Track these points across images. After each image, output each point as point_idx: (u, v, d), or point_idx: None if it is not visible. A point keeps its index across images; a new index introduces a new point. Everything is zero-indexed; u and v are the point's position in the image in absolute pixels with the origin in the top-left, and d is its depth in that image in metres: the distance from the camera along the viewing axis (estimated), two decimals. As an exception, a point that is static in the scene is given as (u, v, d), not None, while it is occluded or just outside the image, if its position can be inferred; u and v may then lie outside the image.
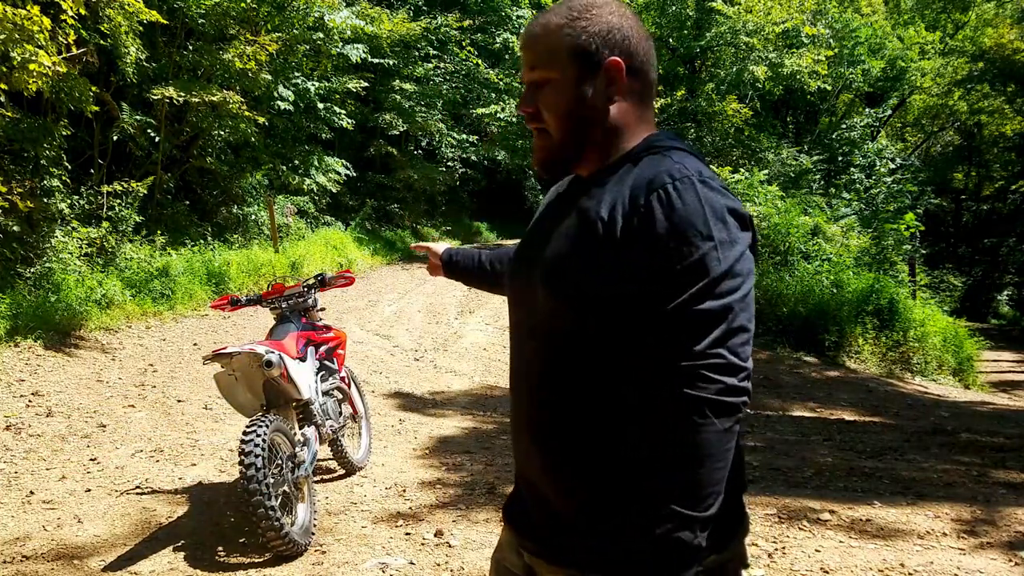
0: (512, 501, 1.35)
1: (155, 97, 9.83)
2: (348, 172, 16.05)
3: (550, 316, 1.17)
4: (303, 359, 3.83)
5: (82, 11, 7.11)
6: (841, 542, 3.42)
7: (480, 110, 18.98)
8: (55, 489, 4.00)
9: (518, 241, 1.40)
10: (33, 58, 6.24)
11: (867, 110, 24.16)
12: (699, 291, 1.04)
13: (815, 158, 19.19)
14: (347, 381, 4.44)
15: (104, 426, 5.08)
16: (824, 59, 17.69)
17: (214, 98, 10.16)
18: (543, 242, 1.22)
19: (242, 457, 3.09)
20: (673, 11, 17.89)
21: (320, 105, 15.09)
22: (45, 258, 7.82)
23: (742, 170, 13.65)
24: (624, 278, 1.08)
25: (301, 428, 3.70)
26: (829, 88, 21.07)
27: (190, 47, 11.17)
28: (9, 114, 7.32)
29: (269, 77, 11.89)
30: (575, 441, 1.17)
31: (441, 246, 1.89)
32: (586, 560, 1.15)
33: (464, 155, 21.29)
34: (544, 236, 1.24)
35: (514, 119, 18.51)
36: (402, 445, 5.11)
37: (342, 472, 4.35)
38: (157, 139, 10.47)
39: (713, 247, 1.05)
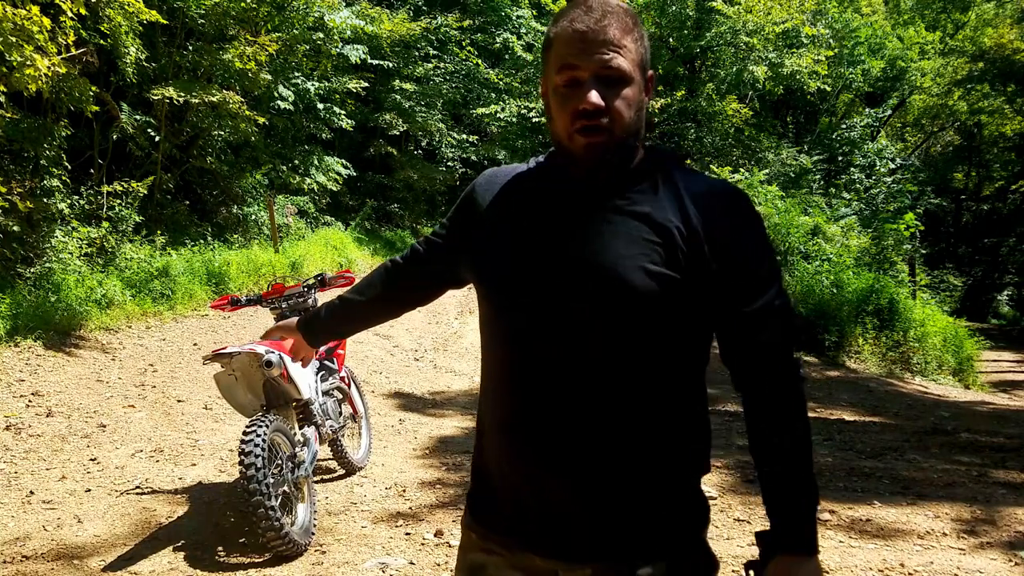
0: (498, 514, 1.28)
1: (155, 97, 9.83)
2: (349, 171, 16.05)
3: (610, 317, 1.17)
4: (303, 359, 3.82)
5: (82, 11, 7.10)
6: (841, 542, 3.42)
7: (480, 110, 18.98)
8: (55, 489, 4.00)
9: (498, 247, 1.28)
10: (30, 63, 6.23)
11: (867, 110, 24.16)
12: (778, 290, 1.22)
13: (815, 158, 19.19)
14: (347, 381, 4.44)
15: (104, 426, 5.08)
16: (824, 59, 17.69)
17: (214, 98, 10.15)
18: (579, 244, 1.19)
19: (242, 457, 3.09)
20: (673, 11, 17.87)
21: (320, 105, 15.09)
22: (45, 258, 7.82)
23: (742, 170, 13.66)
24: (709, 279, 1.18)
25: (301, 428, 3.70)
26: (829, 88, 21.07)
27: (190, 47, 11.17)
28: (9, 114, 7.31)
29: (269, 77, 11.89)
30: (634, 435, 1.19)
31: (291, 322, 1.67)
32: (650, 548, 1.20)
33: (464, 155, 21.28)
34: (580, 238, 1.20)
35: (514, 119, 18.50)
36: (402, 445, 5.11)
37: (342, 472, 4.35)
38: (157, 139, 10.47)
39: (775, 253, 1.26)
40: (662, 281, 1.15)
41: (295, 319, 1.66)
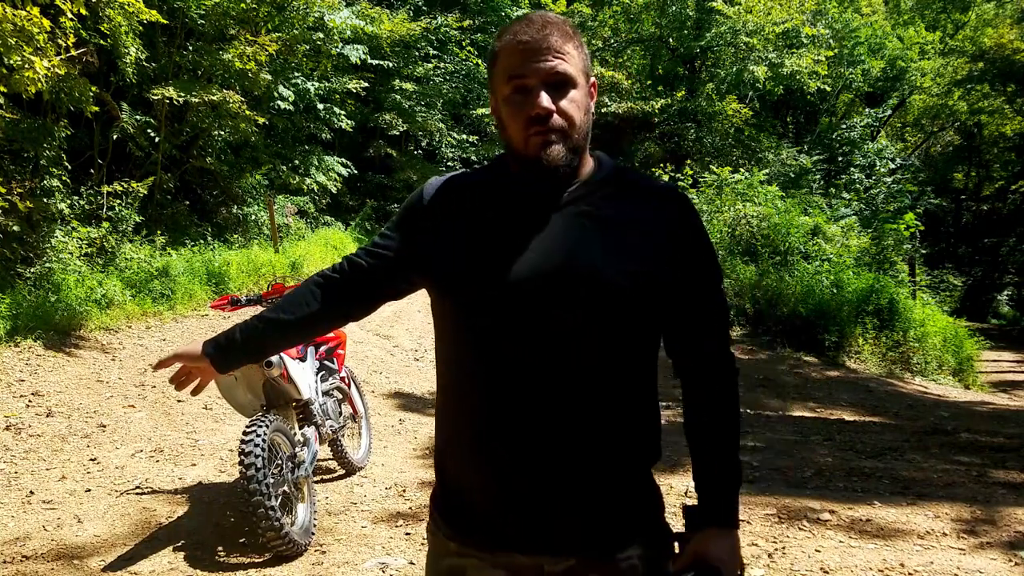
0: (472, 518, 1.28)
1: (155, 97, 9.83)
2: (349, 171, 16.03)
3: (600, 320, 1.21)
4: (303, 359, 3.83)
5: (82, 11, 7.09)
6: (841, 542, 3.42)
7: (480, 110, 18.98)
8: (55, 489, 4.00)
9: (473, 255, 1.25)
10: (29, 65, 6.23)
11: (867, 110, 24.18)
12: (722, 289, 1.34)
13: (815, 158, 19.20)
14: (347, 381, 4.44)
15: (104, 426, 5.08)
16: (824, 59, 17.70)
17: (214, 98, 10.15)
18: (561, 250, 1.21)
19: (242, 457, 3.10)
20: (673, 11, 17.89)
21: (320, 106, 15.09)
22: (45, 258, 7.81)
23: (742, 170, 13.65)
24: (673, 277, 1.27)
25: (301, 428, 3.70)
26: (829, 88, 21.08)
27: (190, 47, 11.16)
28: (8, 115, 7.31)
29: (269, 77, 11.88)
30: (608, 428, 1.24)
31: (194, 348, 1.45)
32: (645, 530, 1.29)
33: (464, 155, 21.28)
34: (559, 244, 1.22)
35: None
36: (402, 445, 5.11)
37: (342, 472, 4.35)
38: (157, 139, 10.47)
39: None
40: (640, 281, 1.21)
41: (199, 342, 1.47)
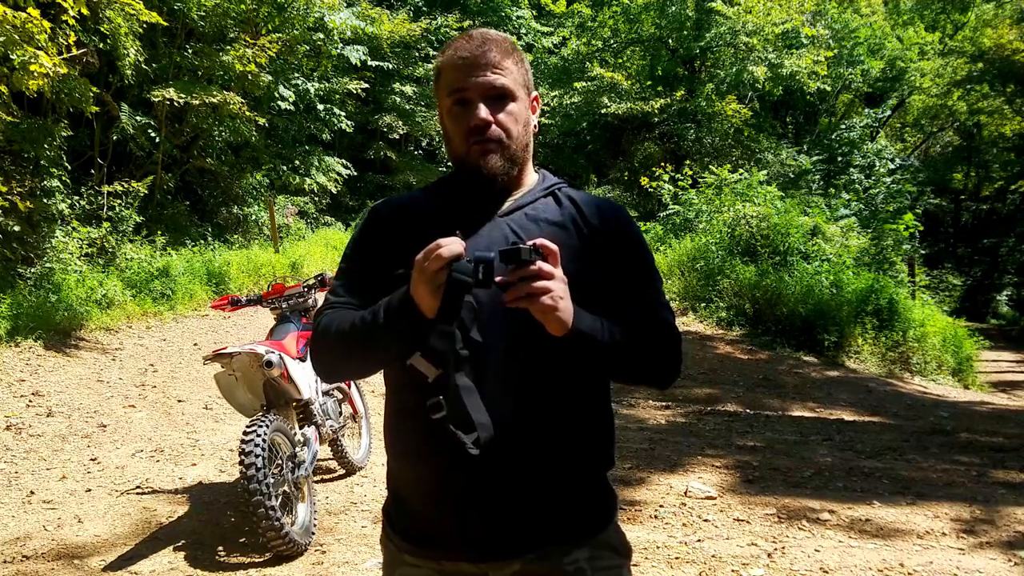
0: (419, 528, 1.31)
1: (155, 98, 9.83)
2: (349, 171, 16.04)
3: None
4: (303, 359, 3.83)
5: (84, 11, 7.09)
6: (840, 542, 3.43)
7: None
8: (55, 489, 4.01)
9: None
10: (33, 60, 6.24)
11: (866, 110, 24.17)
12: (662, 289, 1.40)
13: (814, 158, 19.19)
14: (347, 381, 4.44)
15: (104, 426, 5.08)
16: (824, 59, 17.71)
17: (214, 99, 10.16)
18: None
19: (242, 457, 3.10)
20: (673, 11, 17.90)
21: (320, 106, 15.10)
22: (45, 258, 7.82)
23: (741, 170, 13.66)
24: (623, 276, 1.33)
25: (301, 428, 3.71)
26: (829, 89, 21.08)
27: (190, 48, 11.17)
28: (9, 118, 7.31)
29: (269, 78, 11.89)
30: (557, 435, 1.27)
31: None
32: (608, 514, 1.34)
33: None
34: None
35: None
36: (402, 445, 5.11)
37: (342, 472, 4.35)
38: (157, 139, 10.48)
39: (654, 258, 1.44)
40: (579, 282, 1.21)
41: None
